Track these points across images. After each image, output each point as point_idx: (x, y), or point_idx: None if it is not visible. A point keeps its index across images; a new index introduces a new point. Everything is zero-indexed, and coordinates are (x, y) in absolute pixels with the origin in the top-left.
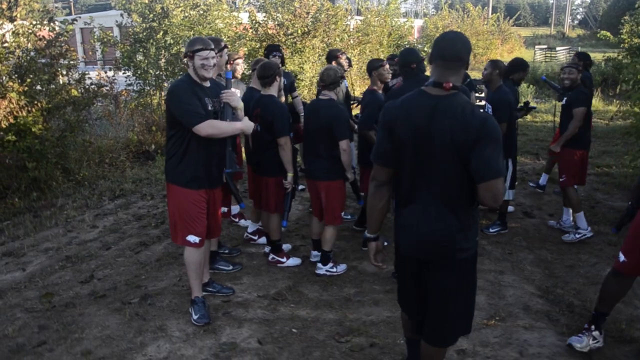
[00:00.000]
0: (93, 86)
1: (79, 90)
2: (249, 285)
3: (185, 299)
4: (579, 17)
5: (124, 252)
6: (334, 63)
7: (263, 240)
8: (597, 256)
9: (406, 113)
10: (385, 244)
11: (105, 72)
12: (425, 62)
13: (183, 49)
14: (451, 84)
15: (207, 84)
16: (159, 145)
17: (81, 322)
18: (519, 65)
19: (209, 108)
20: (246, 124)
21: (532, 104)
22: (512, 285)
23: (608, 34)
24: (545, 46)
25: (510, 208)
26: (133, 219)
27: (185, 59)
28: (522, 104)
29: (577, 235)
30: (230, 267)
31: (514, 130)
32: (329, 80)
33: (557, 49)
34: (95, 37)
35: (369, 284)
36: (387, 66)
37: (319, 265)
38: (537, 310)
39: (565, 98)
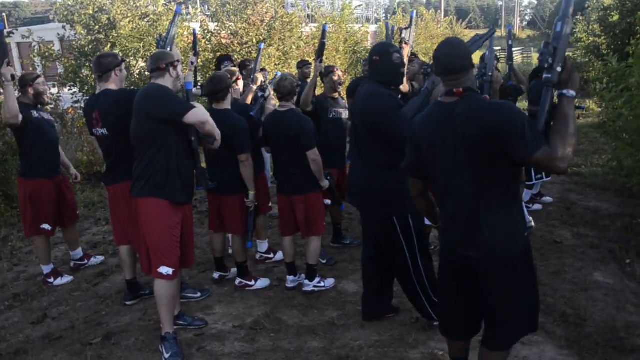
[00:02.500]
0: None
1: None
2: (222, 315)
3: (153, 335)
4: (527, 18)
5: (80, 285)
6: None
7: (280, 256)
8: (581, 260)
9: (428, 125)
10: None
11: (49, 89)
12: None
13: (134, 62)
14: (461, 89)
15: None
16: None
17: None
18: None
19: None
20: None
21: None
22: None
23: None
24: (499, 47)
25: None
26: (87, 247)
27: (158, 70)
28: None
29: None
30: (199, 295)
31: None
32: (286, 91)
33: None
34: (35, 51)
35: (352, 306)
36: (339, 73)
37: (306, 282)
38: None
39: None
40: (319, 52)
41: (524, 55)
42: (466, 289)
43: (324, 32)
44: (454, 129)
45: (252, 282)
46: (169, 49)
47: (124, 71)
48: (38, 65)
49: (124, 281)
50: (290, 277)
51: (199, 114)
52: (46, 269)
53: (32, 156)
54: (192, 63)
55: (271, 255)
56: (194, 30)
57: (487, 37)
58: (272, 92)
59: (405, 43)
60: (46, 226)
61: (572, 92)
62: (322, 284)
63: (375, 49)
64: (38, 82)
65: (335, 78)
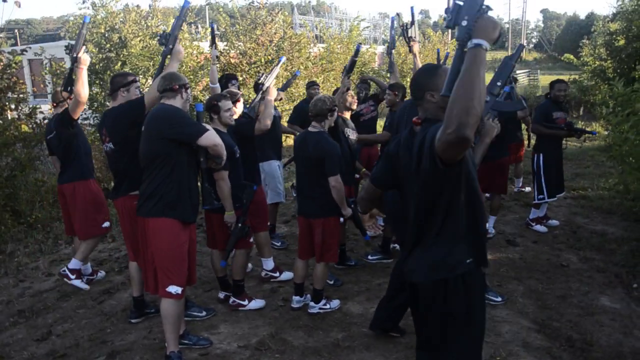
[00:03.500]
0: (46, 120)
1: (30, 126)
2: (227, 334)
3: (158, 354)
4: (533, 40)
5: (86, 302)
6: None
7: (286, 275)
8: (587, 284)
9: (401, 149)
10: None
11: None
12: None
13: (143, 80)
14: (420, 120)
15: None
16: None
17: None
18: (550, 85)
19: None
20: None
21: (582, 127)
22: (507, 320)
23: (572, 57)
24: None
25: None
26: (94, 264)
27: (171, 91)
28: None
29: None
30: (204, 313)
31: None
32: (315, 111)
33: (518, 72)
34: (47, 68)
35: (357, 327)
36: (352, 93)
37: (311, 304)
38: (537, 347)
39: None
40: (349, 69)
41: (531, 78)
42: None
43: (357, 51)
44: (413, 157)
45: (245, 302)
46: (171, 47)
47: (134, 90)
48: (49, 82)
49: (129, 299)
50: (296, 298)
51: (212, 136)
52: (77, 264)
53: (85, 159)
54: (217, 57)
55: (277, 274)
56: (211, 24)
57: (517, 56)
58: (273, 88)
59: (413, 40)
60: (107, 223)
61: (474, 41)
62: (327, 305)
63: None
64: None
65: (349, 98)
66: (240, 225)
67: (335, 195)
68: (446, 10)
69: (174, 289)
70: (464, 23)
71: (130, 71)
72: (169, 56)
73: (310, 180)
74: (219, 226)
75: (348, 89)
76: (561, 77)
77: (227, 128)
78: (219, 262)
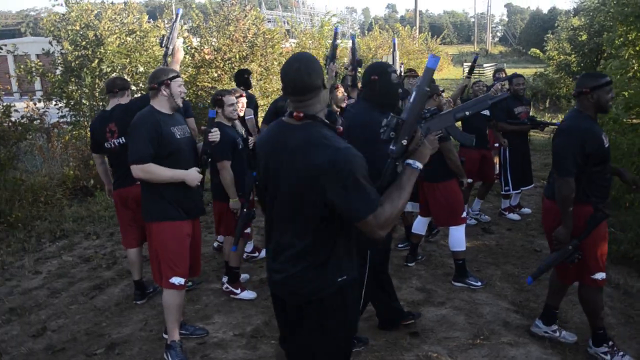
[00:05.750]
0: (24, 119)
1: (6, 124)
2: (222, 324)
3: (156, 345)
4: (498, 34)
5: (77, 298)
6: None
7: (264, 254)
8: None
9: (268, 143)
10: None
11: (35, 104)
12: None
13: None
14: (302, 114)
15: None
16: (97, 180)
17: None
18: (509, 80)
19: (177, 136)
20: (190, 176)
21: (548, 119)
22: (487, 303)
23: (538, 51)
24: (468, 64)
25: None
26: (80, 261)
27: (152, 90)
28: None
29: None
30: None
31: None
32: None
33: (484, 65)
34: (22, 67)
35: None
36: (342, 89)
37: None
38: (517, 326)
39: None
40: (332, 55)
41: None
42: None
43: (335, 34)
44: (285, 157)
45: (238, 291)
46: (171, 48)
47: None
48: (14, 79)
49: (121, 293)
50: None
51: (139, 172)
52: None
53: None
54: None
55: (256, 254)
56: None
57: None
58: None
59: None
60: None
61: (418, 164)
62: None
63: (374, 68)
64: None
65: (340, 94)
66: (245, 210)
67: None
68: (389, 117)
69: (176, 280)
70: (404, 142)
71: (107, 68)
72: (170, 57)
73: None
74: (225, 213)
75: (337, 87)
76: (527, 70)
77: (231, 122)
78: (229, 247)
